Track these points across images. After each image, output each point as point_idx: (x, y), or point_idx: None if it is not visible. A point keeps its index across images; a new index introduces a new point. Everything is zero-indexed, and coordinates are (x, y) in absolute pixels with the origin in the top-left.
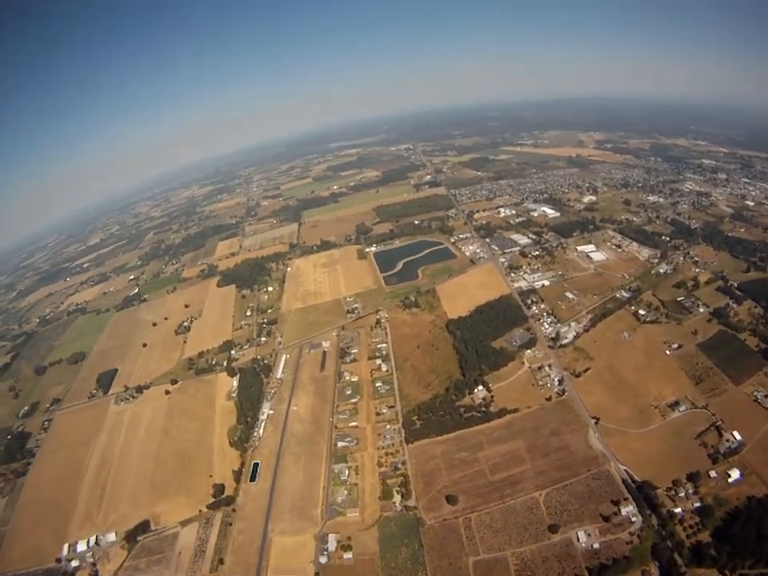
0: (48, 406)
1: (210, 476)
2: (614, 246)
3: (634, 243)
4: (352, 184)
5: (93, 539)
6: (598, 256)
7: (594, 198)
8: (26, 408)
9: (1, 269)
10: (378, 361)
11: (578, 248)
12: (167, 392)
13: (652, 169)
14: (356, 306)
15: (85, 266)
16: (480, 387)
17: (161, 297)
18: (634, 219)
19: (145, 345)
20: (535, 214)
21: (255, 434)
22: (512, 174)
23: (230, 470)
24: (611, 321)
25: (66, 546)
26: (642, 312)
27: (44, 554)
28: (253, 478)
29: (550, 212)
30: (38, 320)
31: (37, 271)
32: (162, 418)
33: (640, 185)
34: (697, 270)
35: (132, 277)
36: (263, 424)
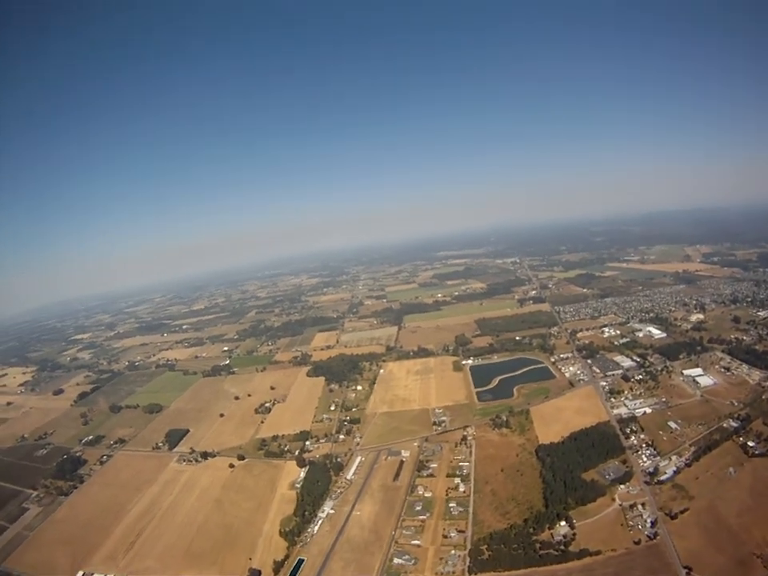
0: (112, 442)
1: (250, 559)
2: (722, 369)
3: (744, 365)
4: (456, 294)
5: None
6: (705, 381)
7: (701, 316)
8: (90, 437)
9: (107, 309)
10: (457, 480)
11: (684, 372)
12: (231, 465)
13: (761, 281)
14: (443, 418)
15: (184, 327)
16: (563, 523)
17: (249, 373)
18: (744, 338)
19: (222, 415)
20: (640, 335)
21: (309, 529)
22: (618, 291)
23: (273, 559)
24: (716, 454)
25: (80, 573)
26: (750, 444)
27: (55, 570)
28: (293, 574)
29: (656, 332)
30: (127, 363)
31: (138, 320)
32: (218, 489)
33: (749, 299)
34: None
35: (226, 348)
36: (320, 522)
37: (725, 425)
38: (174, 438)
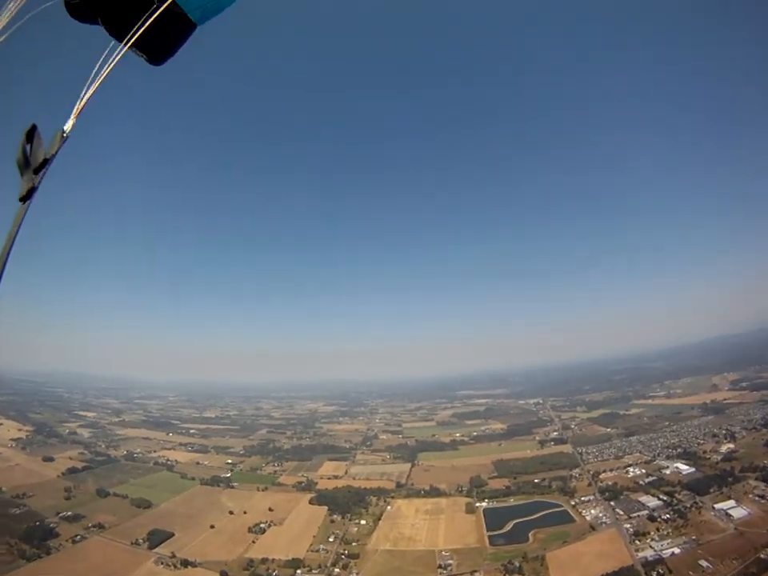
0: (90, 525)
1: None
2: (756, 498)
3: None
4: (475, 434)
5: None
6: (738, 512)
7: (731, 445)
8: (69, 513)
9: (118, 395)
10: None
11: (716, 506)
12: None
13: None
14: (450, 561)
15: (191, 431)
16: None
17: (249, 491)
18: None
19: (212, 526)
20: (667, 472)
21: None
22: (643, 429)
23: None
24: None
25: None
26: None
27: None
28: None
29: (684, 467)
30: (125, 452)
31: (146, 413)
32: None
33: None
34: None
35: (230, 461)
36: None
37: (762, 555)
38: (157, 538)
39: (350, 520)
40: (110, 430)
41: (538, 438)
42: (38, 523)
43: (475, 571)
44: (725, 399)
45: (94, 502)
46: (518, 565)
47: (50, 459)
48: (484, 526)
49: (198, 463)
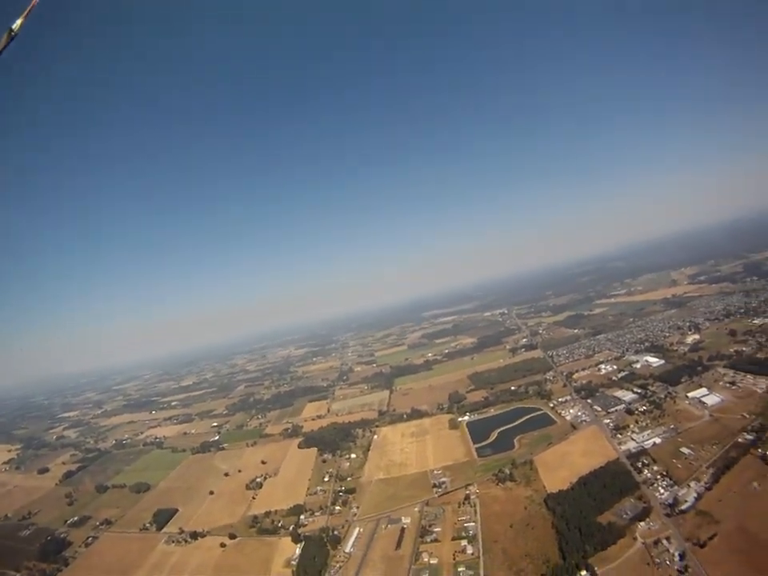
0: (98, 523)
1: None
2: (727, 385)
3: (749, 376)
4: (446, 351)
5: None
6: (711, 399)
7: (697, 336)
8: (75, 518)
9: (95, 386)
10: (464, 542)
11: (689, 395)
12: (222, 545)
13: (750, 290)
14: (443, 479)
15: (173, 403)
16: (583, 572)
17: (239, 449)
18: (744, 349)
19: (212, 492)
20: (638, 366)
21: None
22: (609, 327)
23: None
24: (736, 471)
25: None
26: None
27: None
28: None
29: (654, 360)
30: (114, 441)
31: (126, 397)
32: (209, 571)
33: (742, 310)
34: None
35: (215, 424)
36: None
37: (740, 440)
38: (162, 517)
39: (340, 456)
40: (95, 424)
41: (508, 347)
42: (49, 538)
43: (469, 485)
44: (685, 293)
45: (96, 499)
46: (508, 472)
47: (45, 470)
48: (469, 439)
49: (185, 434)
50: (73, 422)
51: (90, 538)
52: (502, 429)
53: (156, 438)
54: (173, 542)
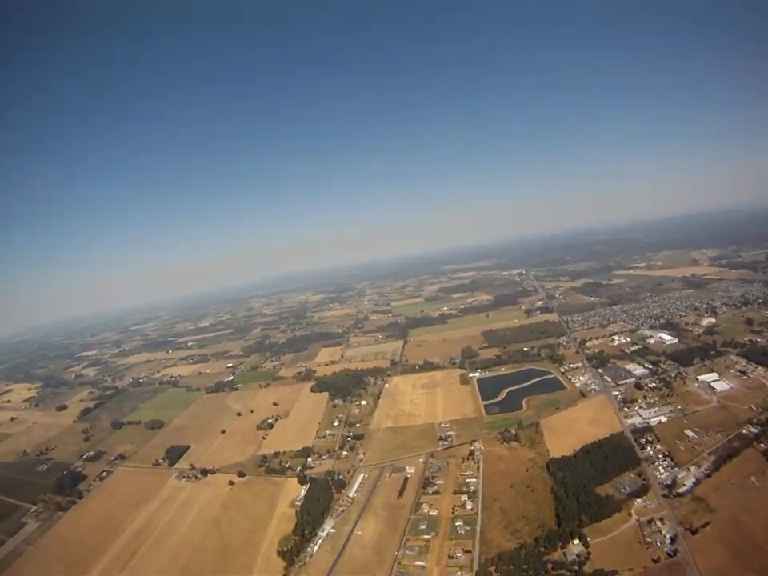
0: (112, 458)
1: None
2: (738, 373)
3: (760, 368)
4: (462, 306)
5: None
6: (721, 386)
7: (713, 319)
8: (91, 453)
9: (113, 327)
10: (464, 497)
11: (699, 378)
12: (231, 483)
13: None
14: (450, 433)
15: (189, 344)
16: (576, 541)
17: (252, 389)
18: (758, 340)
19: (223, 431)
20: (651, 341)
21: (308, 549)
22: (626, 298)
23: None
24: (737, 462)
25: None
26: None
27: None
28: None
29: (668, 338)
30: (131, 380)
31: (144, 337)
32: (217, 507)
33: (761, 300)
34: None
35: (230, 364)
36: (320, 541)
37: (744, 431)
38: (175, 454)
39: (351, 402)
40: (112, 363)
41: (524, 308)
42: (65, 472)
43: (474, 441)
44: (705, 275)
45: (111, 435)
46: (514, 432)
47: (63, 408)
48: (479, 396)
49: (200, 373)
50: (91, 361)
51: (105, 473)
52: (511, 388)
53: (172, 377)
54: (184, 477)
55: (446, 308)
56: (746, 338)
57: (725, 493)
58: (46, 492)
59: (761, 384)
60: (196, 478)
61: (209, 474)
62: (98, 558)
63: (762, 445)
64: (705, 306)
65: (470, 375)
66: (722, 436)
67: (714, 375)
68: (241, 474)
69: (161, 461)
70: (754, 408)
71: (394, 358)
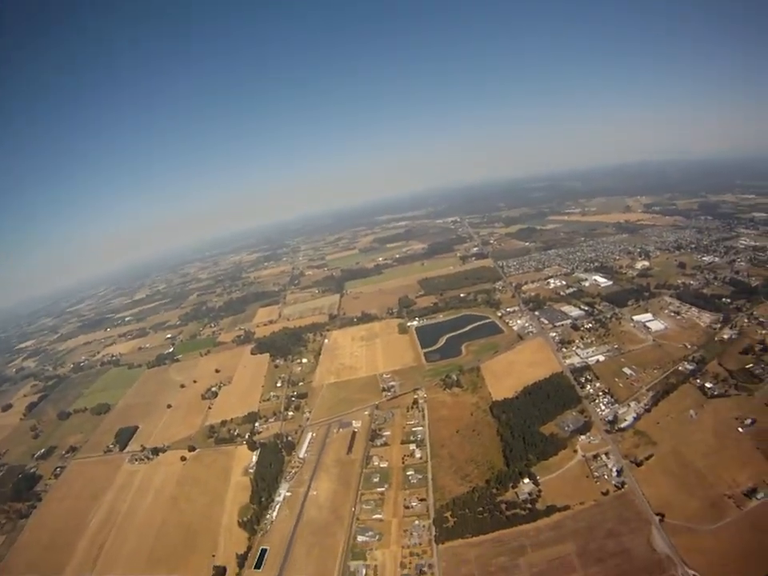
0: (64, 452)
1: (213, 556)
2: (672, 314)
3: (694, 308)
4: (397, 256)
5: None
6: (655, 325)
7: (647, 263)
8: (42, 450)
9: (49, 311)
10: (412, 446)
11: (634, 318)
12: (183, 458)
13: (703, 228)
14: (393, 383)
15: (126, 319)
16: (526, 480)
17: (193, 359)
18: (691, 282)
19: (169, 406)
20: (586, 284)
21: (268, 516)
22: (560, 243)
23: (235, 552)
24: (675, 397)
25: None
26: (708, 385)
27: None
28: (258, 566)
29: (602, 281)
30: (72, 365)
31: (81, 318)
32: (172, 486)
33: (693, 246)
34: (764, 332)
35: (169, 335)
36: (278, 506)
37: (680, 368)
38: (124, 437)
39: (292, 361)
40: (52, 351)
41: (459, 255)
42: (20, 475)
43: (417, 389)
44: (638, 221)
45: (60, 428)
46: (455, 378)
47: (9, 407)
48: (418, 344)
49: (140, 348)
50: (31, 352)
51: (58, 469)
52: (450, 335)
53: (112, 356)
54: (136, 460)
55: (381, 259)
56: (679, 281)
57: (665, 426)
58: (4, 501)
59: (694, 324)
60: (148, 458)
61: (160, 453)
62: (68, 559)
63: (698, 380)
64: (638, 250)
65: (409, 324)
66: (659, 373)
67: (649, 315)
68: (191, 448)
69: (111, 446)
70: (689, 346)
71: (331, 312)
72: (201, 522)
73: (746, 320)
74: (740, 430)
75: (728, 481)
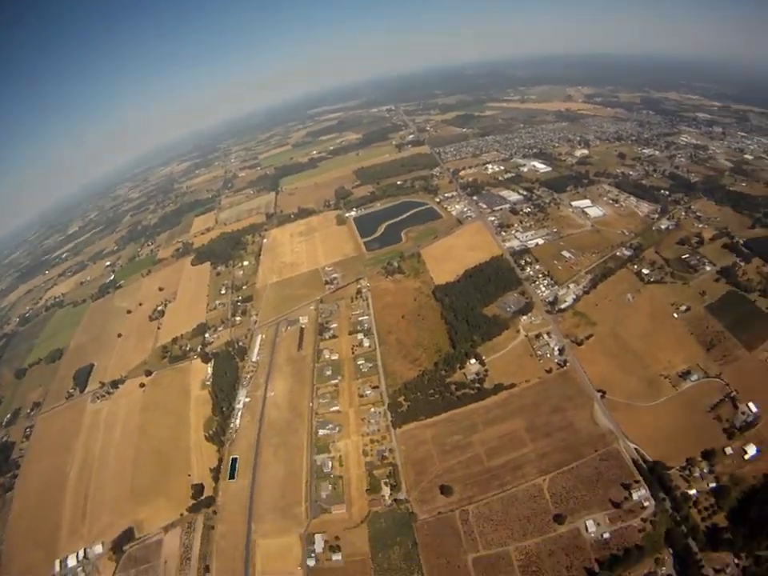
0: (29, 411)
1: (189, 475)
2: (610, 201)
3: (632, 198)
4: (332, 148)
5: (81, 553)
6: (594, 212)
7: (586, 151)
8: (8, 416)
9: None
10: (360, 336)
11: (573, 203)
12: (142, 385)
13: (645, 122)
14: (335, 275)
15: (63, 256)
16: (472, 361)
17: (136, 281)
18: (631, 173)
19: (120, 335)
20: (525, 170)
21: (232, 425)
22: (499, 129)
23: (208, 467)
24: (613, 281)
25: (57, 563)
26: (645, 271)
27: (38, 571)
28: (232, 476)
29: (541, 167)
30: (17, 319)
31: (17, 268)
32: (137, 415)
33: (634, 138)
34: (700, 226)
35: (108, 263)
36: (239, 414)
37: (618, 253)
38: (82, 377)
39: (233, 267)
40: None
41: (394, 143)
42: None
43: (360, 279)
44: (579, 110)
45: (19, 386)
46: (396, 265)
47: None
48: (357, 234)
49: (81, 283)
50: None
51: (28, 429)
52: (389, 223)
53: (55, 298)
54: (98, 398)
55: (315, 152)
56: (618, 171)
57: (603, 308)
58: None
59: (632, 212)
60: (109, 393)
61: (119, 385)
62: (60, 515)
63: (635, 266)
64: (578, 138)
65: (346, 215)
66: (597, 257)
67: (588, 202)
68: (148, 373)
69: (72, 390)
70: (627, 233)
71: (268, 211)
72: (171, 444)
73: (683, 213)
74: (675, 315)
75: (664, 362)
